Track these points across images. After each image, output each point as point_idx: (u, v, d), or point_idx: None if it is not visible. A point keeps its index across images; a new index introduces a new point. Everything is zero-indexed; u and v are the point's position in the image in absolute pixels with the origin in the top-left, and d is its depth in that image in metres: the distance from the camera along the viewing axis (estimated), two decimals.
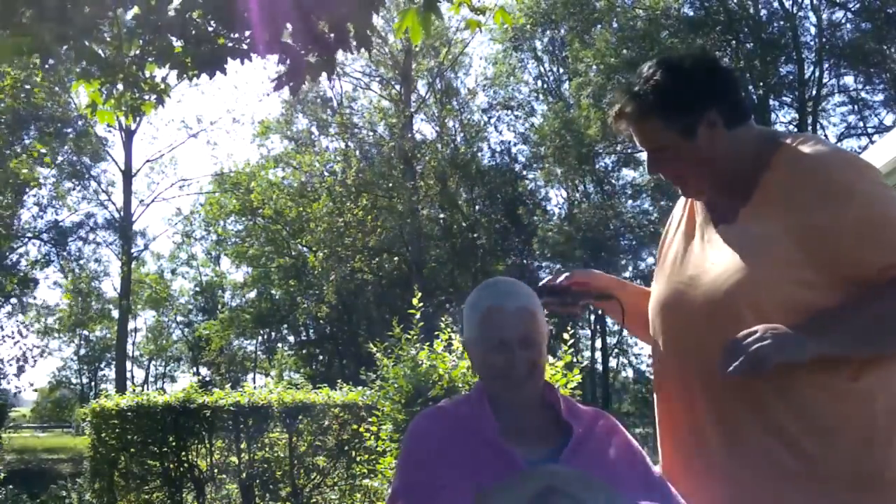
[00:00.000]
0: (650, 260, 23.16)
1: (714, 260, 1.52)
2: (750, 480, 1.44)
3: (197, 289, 37.63)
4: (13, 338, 13.80)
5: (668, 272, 1.65)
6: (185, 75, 3.25)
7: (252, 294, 33.09)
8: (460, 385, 4.11)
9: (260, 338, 34.85)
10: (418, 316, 4.70)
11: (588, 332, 24.66)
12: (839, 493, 1.37)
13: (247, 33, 3.21)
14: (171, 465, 6.57)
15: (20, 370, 13.66)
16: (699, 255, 1.58)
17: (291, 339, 33.78)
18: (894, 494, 1.37)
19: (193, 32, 3.13)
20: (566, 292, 1.78)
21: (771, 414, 1.42)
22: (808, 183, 1.43)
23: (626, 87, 1.57)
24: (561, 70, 25.97)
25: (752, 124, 1.56)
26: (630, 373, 28.51)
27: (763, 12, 22.07)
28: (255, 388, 7.22)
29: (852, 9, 21.07)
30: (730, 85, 1.57)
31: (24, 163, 13.38)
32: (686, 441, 1.57)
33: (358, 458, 6.45)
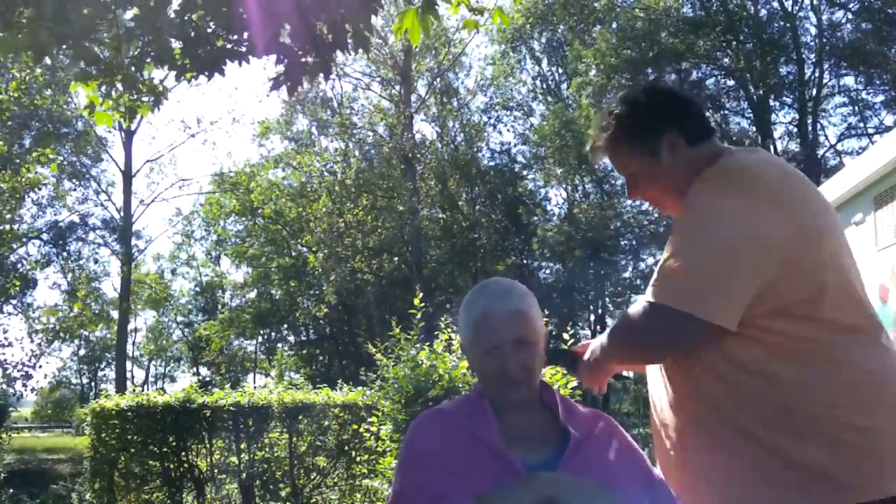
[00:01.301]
0: (650, 260, 23.17)
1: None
2: (719, 474, 1.49)
3: (197, 289, 37.67)
4: (20, 341, 13.77)
5: None
6: (183, 76, 3.25)
7: (252, 294, 33.13)
8: (460, 385, 4.11)
9: (260, 338, 34.88)
10: (419, 316, 4.70)
11: (588, 332, 24.67)
12: (797, 489, 1.40)
13: (245, 35, 3.21)
14: (171, 465, 6.57)
15: (28, 376, 13.63)
16: None
17: (291, 339, 33.83)
18: (818, 489, 1.39)
19: (192, 34, 3.13)
20: (574, 360, 1.84)
21: (719, 403, 1.49)
22: (685, 203, 1.55)
23: (597, 123, 1.77)
24: (560, 70, 25.99)
25: (714, 141, 1.68)
26: (630, 373, 28.50)
27: (763, 12, 22.08)
28: (255, 388, 7.22)
29: (852, 9, 21.08)
30: (686, 107, 1.70)
31: (32, 166, 13.43)
32: (664, 442, 1.64)
33: (358, 458, 6.46)
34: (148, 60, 3.30)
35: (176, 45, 3.22)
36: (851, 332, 1.47)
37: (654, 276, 1.52)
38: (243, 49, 3.18)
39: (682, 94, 1.79)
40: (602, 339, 1.67)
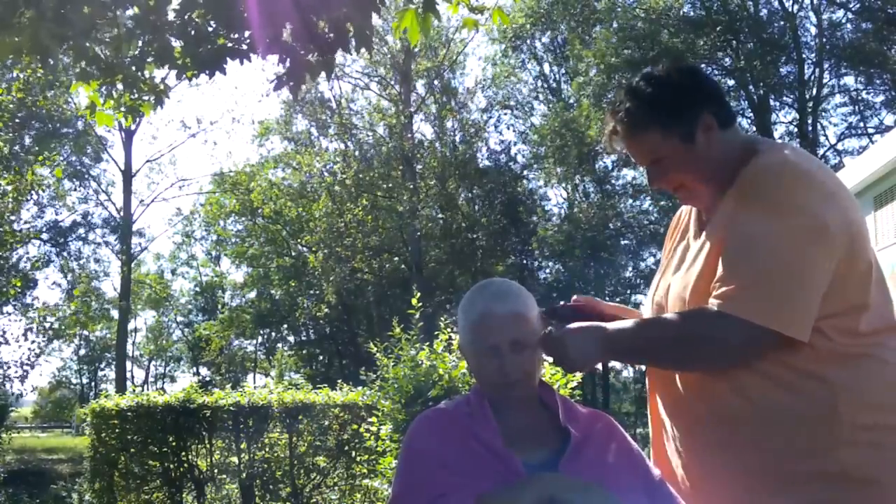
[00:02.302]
0: (650, 260, 23.18)
1: (678, 273, 1.61)
2: (719, 476, 1.49)
3: (197, 289, 37.69)
4: (18, 341, 13.72)
5: (654, 287, 1.73)
6: (184, 75, 3.25)
7: (252, 294, 33.13)
8: (460, 385, 4.11)
9: (260, 338, 34.88)
10: (418, 316, 4.70)
11: None
12: (803, 492, 1.39)
13: (246, 34, 3.21)
14: (171, 465, 6.56)
15: (25, 375, 13.61)
16: (675, 267, 1.66)
17: (291, 339, 33.83)
18: (861, 493, 1.38)
19: (193, 33, 3.13)
20: (574, 315, 1.78)
21: (724, 404, 1.47)
22: (743, 197, 1.48)
23: (617, 105, 1.61)
24: (561, 70, 26.00)
25: (738, 128, 1.61)
26: (630, 373, 28.53)
27: (763, 12, 22.08)
28: (255, 388, 7.21)
29: (852, 9, 21.07)
30: (716, 88, 1.63)
31: (36, 167, 13.46)
32: (664, 442, 1.64)
33: (358, 458, 6.45)
34: (149, 60, 3.30)
35: (176, 44, 3.22)
36: (894, 334, 1.46)
37: (722, 281, 1.43)
38: (244, 47, 3.18)
39: (707, 74, 1.68)
40: (627, 334, 1.54)
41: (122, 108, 3.67)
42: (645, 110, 1.55)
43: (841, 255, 1.41)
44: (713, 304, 1.43)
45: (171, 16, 3.11)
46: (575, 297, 1.85)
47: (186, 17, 3.12)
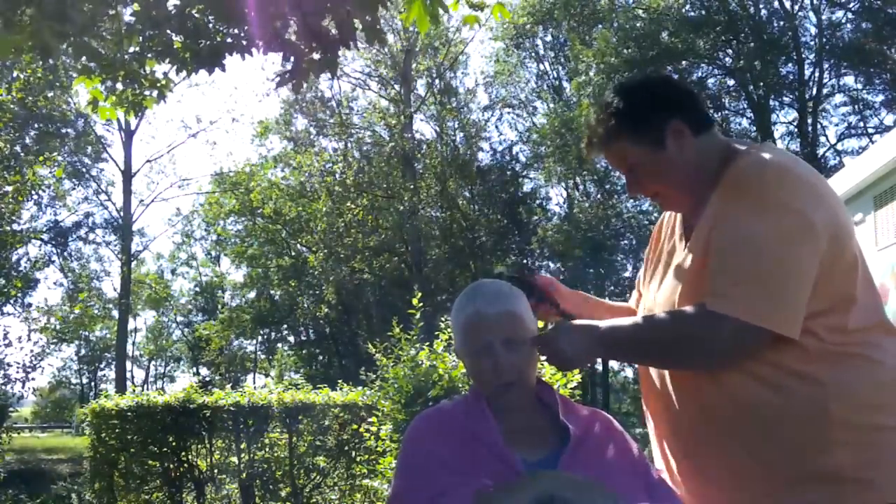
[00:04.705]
0: None
1: (667, 279, 1.62)
2: (714, 476, 1.49)
3: (197, 289, 37.69)
4: (20, 342, 13.67)
5: (644, 294, 1.75)
6: (184, 71, 3.25)
7: (252, 294, 33.11)
8: (460, 385, 4.10)
9: (260, 338, 34.87)
10: (418, 316, 4.70)
11: None
12: (797, 492, 1.39)
13: (246, 28, 3.21)
14: (171, 465, 6.56)
15: (26, 377, 13.56)
16: (662, 273, 1.67)
17: (291, 339, 33.82)
18: (855, 494, 1.37)
19: (192, 28, 3.13)
20: (531, 288, 1.78)
21: (714, 405, 1.47)
22: (727, 197, 1.49)
23: (592, 116, 1.66)
24: (562, 69, 26.00)
25: (717, 133, 1.62)
26: (630, 373, 28.54)
27: (763, 12, 22.09)
28: (255, 388, 7.21)
29: (852, 9, 21.09)
30: (688, 94, 1.65)
31: (38, 167, 13.47)
32: (660, 442, 1.64)
33: (358, 458, 6.45)
34: (149, 56, 3.30)
35: (176, 39, 3.21)
36: (883, 333, 1.46)
37: (711, 280, 1.43)
38: (244, 42, 3.18)
39: (680, 82, 1.72)
40: (619, 332, 1.55)
41: (125, 104, 3.67)
42: (615, 119, 1.59)
43: (826, 251, 1.41)
44: (703, 303, 1.43)
45: (170, 11, 3.11)
46: (541, 274, 1.88)
47: (186, 12, 3.12)
